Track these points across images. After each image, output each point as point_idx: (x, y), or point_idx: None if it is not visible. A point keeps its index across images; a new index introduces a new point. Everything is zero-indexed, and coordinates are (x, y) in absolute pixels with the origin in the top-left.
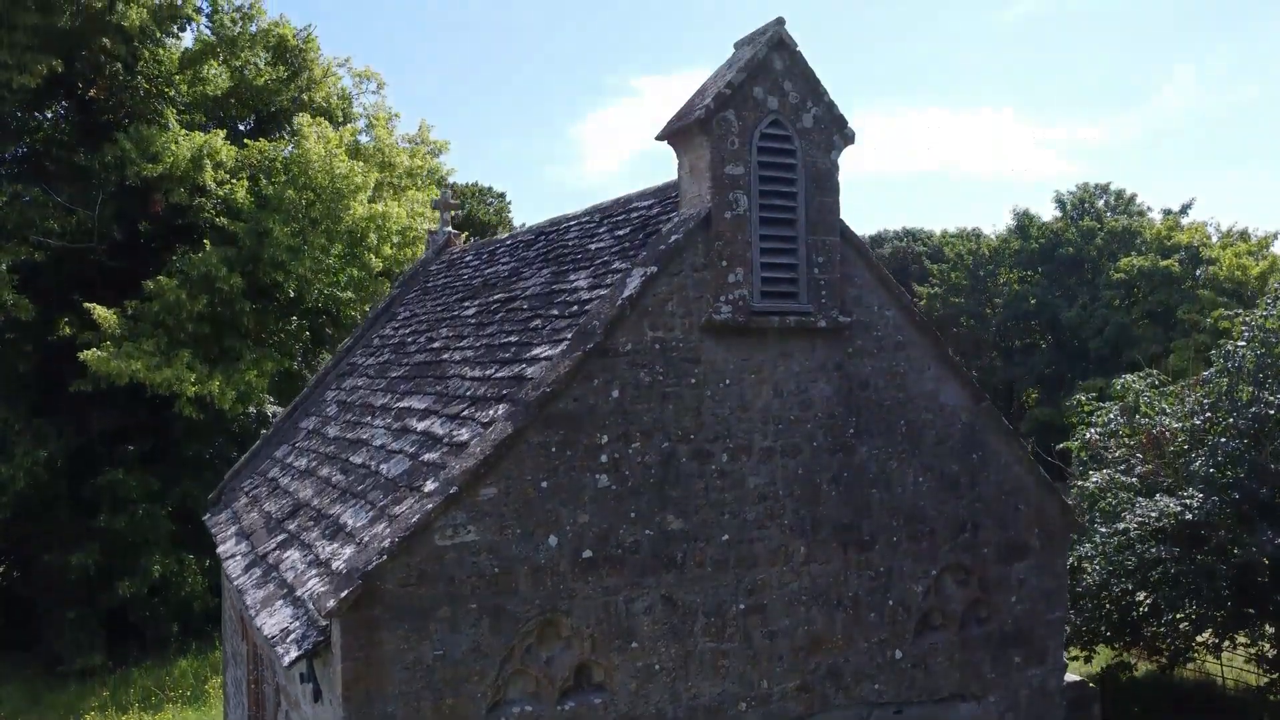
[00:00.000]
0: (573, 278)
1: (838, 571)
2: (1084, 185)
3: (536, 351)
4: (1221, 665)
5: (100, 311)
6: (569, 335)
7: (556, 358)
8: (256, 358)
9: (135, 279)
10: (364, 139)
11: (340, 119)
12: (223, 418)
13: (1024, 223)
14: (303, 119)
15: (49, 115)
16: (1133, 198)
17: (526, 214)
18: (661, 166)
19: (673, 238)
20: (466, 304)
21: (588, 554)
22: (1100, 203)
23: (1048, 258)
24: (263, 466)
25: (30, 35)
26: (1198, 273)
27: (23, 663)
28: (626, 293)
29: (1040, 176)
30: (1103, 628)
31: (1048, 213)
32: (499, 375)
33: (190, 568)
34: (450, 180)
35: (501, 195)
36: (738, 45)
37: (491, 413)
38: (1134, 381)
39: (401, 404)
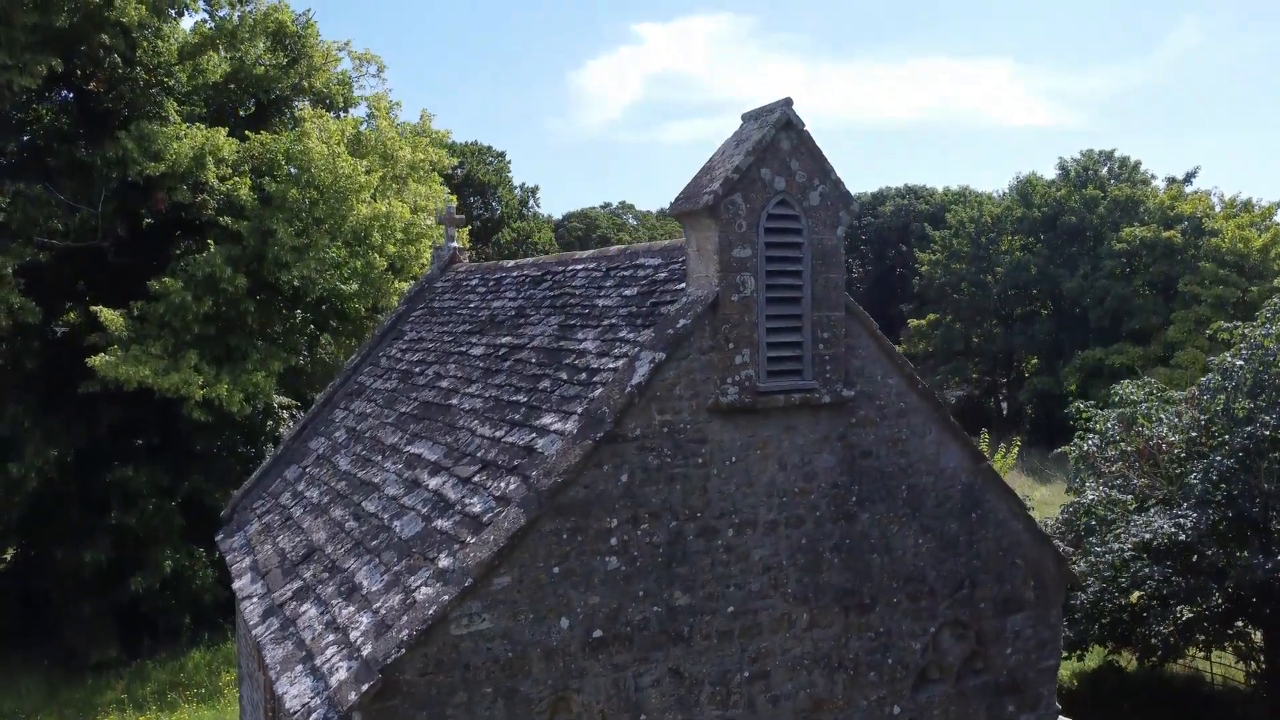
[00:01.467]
0: (580, 336)
1: (839, 635)
2: (1088, 152)
3: (546, 420)
4: (1210, 662)
5: (106, 314)
6: (578, 409)
7: (566, 443)
8: (263, 357)
9: (141, 275)
10: (364, 127)
11: (341, 105)
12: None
13: (1026, 190)
14: (304, 111)
15: (48, 107)
16: (1137, 165)
17: (526, 174)
18: (661, 115)
19: (680, 322)
20: (473, 339)
21: (598, 634)
22: (1104, 170)
23: (1050, 226)
24: (273, 487)
25: (29, 34)
26: (1199, 243)
27: (39, 657)
28: (635, 379)
29: (1040, 124)
30: (1095, 628)
31: (1046, 168)
32: (509, 440)
33: (200, 561)
34: (451, 169)
35: (501, 154)
36: (745, 119)
37: (503, 485)
38: (1132, 391)
39: (411, 449)
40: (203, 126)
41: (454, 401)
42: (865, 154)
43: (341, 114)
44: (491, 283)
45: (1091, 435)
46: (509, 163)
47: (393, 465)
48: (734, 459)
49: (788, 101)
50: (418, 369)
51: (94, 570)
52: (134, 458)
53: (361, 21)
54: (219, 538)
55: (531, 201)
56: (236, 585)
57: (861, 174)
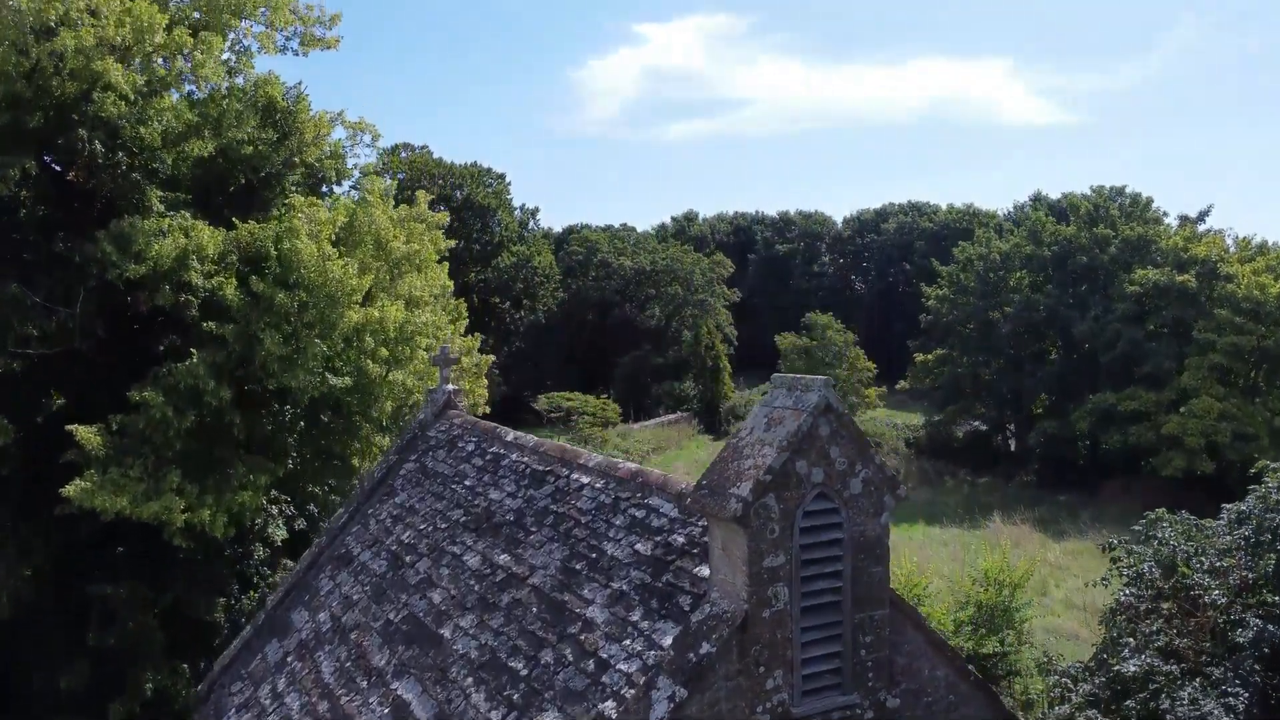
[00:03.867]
0: (586, 593)
1: None
2: (1099, 189)
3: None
4: None
5: (83, 433)
6: None
7: None
8: (249, 469)
9: (121, 378)
10: (355, 194)
11: (334, 178)
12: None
13: (1036, 229)
14: (295, 199)
15: (24, 193)
16: (1149, 202)
17: (525, 194)
18: (661, 113)
19: (703, 648)
20: (468, 540)
21: None
22: (1114, 208)
23: (1060, 264)
24: (253, 665)
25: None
26: (1214, 286)
27: None
28: None
29: (1041, 122)
30: None
31: (1048, 170)
32: None
33: (183, 677)
34: (448, 251)
35: (501, 176)
36: (776, 385)
37: None
38: (1168, 529)
39: (399, 689)
40: (187, 215)
41: (445, 633)
42: (865, 154)
43: (335, 187)
44: (489, 457)
45: (1127, 572)
46: (508, 184)
47: (378, 705)
48: None
49: (826, 382)
50: (408, 557)
51: (71, 694)
52: (114, 568)
53: (361, 25)
54: None
55: (531, 223)
56: None
57: (861, 176)
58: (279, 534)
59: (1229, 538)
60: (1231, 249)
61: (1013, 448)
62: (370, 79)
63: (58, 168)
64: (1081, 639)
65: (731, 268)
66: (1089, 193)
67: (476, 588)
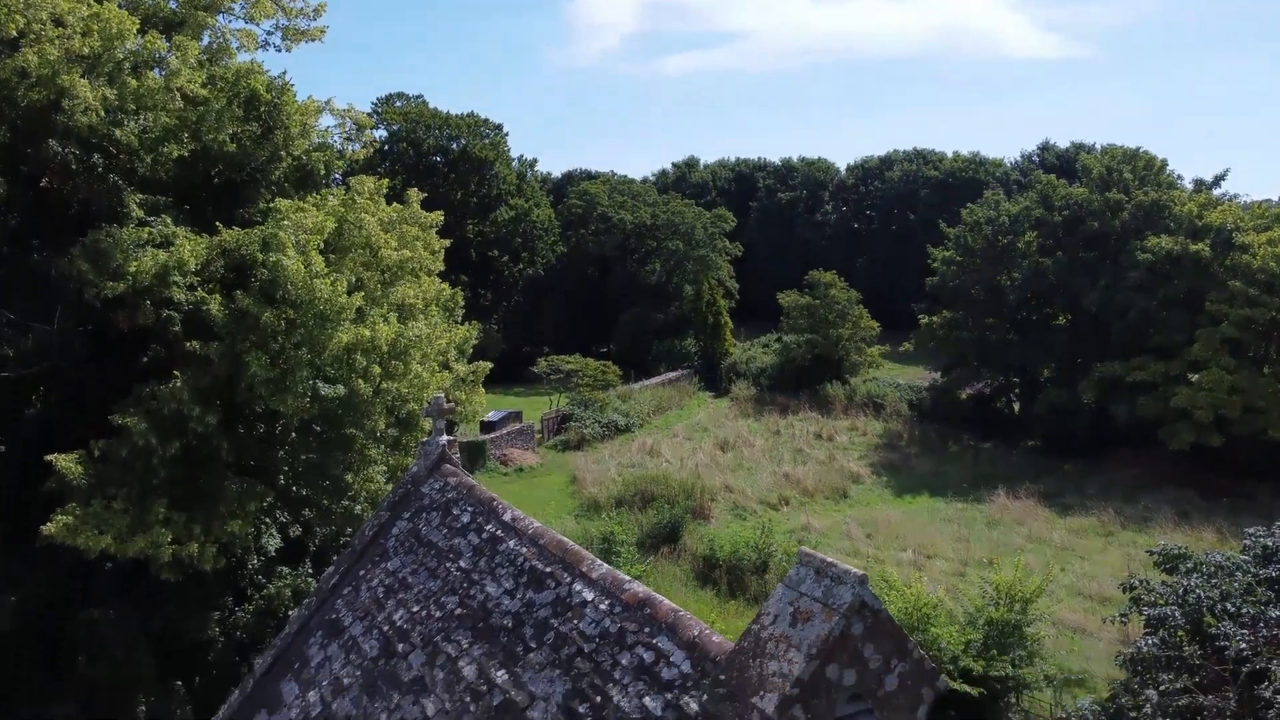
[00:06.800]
0: None
1: None
2: (1111, 150)
3: None
4: None
5: (63, 462)
6: None
7: None
8: (239, 494)
9: (105, 397)
10: (345, 193)
11: (322, 171)
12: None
13: (1047, 192)
14: (280, 203)
15: None
16: (1163, 165)
17: (524, 132)
18: (660, 46)
19: None
20: (462, 639)
21: None
22: (1128, 170)
23: (1070, 230)
24: None
25: None
26: (1228, 256)
27: None
28: None
29: (1046, 56)
30: None
31: (1054, 110)
32: None
33: (178, 697)
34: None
35: (499, 127)
36: (803, 562)
37: None
38: (1197, 582)
39: None
40: (168, 221)
41: None
42: (868, 89)
43: (325, 184)
44: (485, 537)
45: (1148, 611)
46: (506, 135)
47: None
48: None
49: (861, 579)
50: (400, 645)
51: None
52: (103, 592)
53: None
54: None
55: (529, 174)
56: None
57: (864, 112)
58: (273, 544)
59: (1254, 574)
60: (1244, 207)
61: (1017, 411)
62: (361, 23)
63: (27, 170)
64: (1089, 632)
65: (734, 222)
66: (1099, 151)
67: (472, 708)
